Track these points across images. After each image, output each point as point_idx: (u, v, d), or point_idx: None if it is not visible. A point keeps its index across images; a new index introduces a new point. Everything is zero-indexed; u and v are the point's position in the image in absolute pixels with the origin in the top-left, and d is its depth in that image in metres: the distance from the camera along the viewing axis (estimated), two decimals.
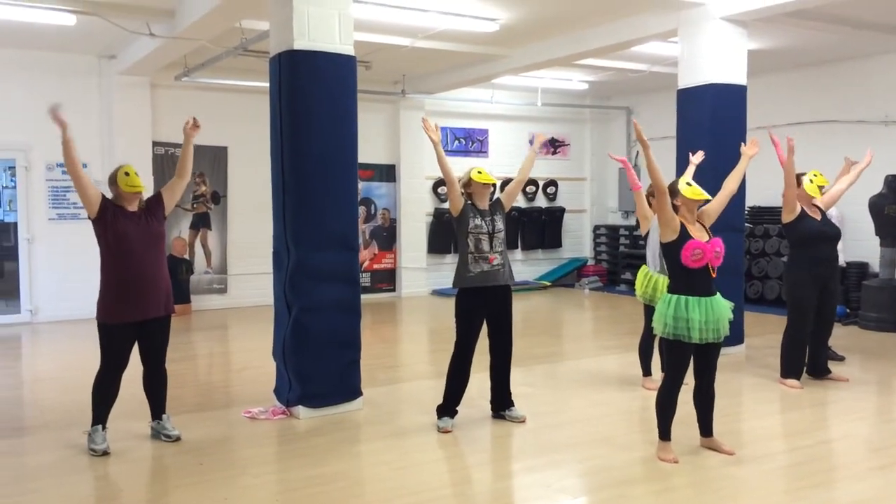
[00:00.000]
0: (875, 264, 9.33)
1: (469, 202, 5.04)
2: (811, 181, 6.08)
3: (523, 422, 5.19)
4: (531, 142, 6.11)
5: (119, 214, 4.66)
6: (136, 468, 4.47)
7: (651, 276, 5.85)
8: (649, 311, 5.73)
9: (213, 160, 10.70)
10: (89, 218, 4.71)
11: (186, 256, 10.51)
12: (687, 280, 4.35)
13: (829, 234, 6.13)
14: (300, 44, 5.29)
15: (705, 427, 4.62)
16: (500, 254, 5.03)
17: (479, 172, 5.07)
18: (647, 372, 6.20)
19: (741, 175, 4.72)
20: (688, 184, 4.43)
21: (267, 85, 5.76)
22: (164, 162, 10.12)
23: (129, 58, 9.28)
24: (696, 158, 5.60)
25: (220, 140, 10.66)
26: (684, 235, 4.34)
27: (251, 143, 10.41)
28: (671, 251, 4.38)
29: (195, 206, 10.63)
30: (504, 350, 5.18)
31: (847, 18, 7.99)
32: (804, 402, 5.81)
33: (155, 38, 7.98)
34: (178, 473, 4.42)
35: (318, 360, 5.36)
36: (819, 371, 6.34)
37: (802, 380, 6.21)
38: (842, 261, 6.98)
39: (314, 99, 5.34)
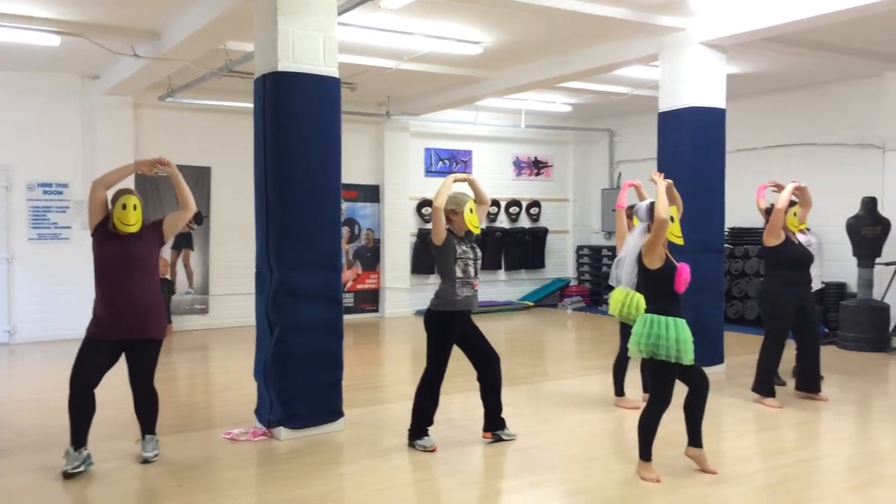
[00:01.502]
0: (853, 285, 9.45)
1: (448, 228, 5.06)
2: (795, 214, 6.26)
3: (514, 440, 5.23)
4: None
5: (105, 236, 4.66)
6: (113, 491, 4.42)
7: (630, 294, 5.84)
8: (626, 329, 5.74)
9: (197, 180, 10.66)
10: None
11: (168, 277, 10.46)
12: (675, 303, 4.48)
13: (808, 257, 6.41)
14: (285, 65, 5.32)
15: (696, 437, 4.62)
16: (477, 280, 5.11)
17: (472, 212, 5.05)
18: (620, 392, 6.22)
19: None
20: (671, 218, 4.54)
21: (251, 106, 5.79)
22: (147, 183, 10.07)
23: (112, 78, 9.28)
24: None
25: (204, 160, 10.66)
26: (671, 262, 4.46)
27: (234, 163, 10.42)
28: (661, 277, 4.47)
29: None
30: (494, 362, 5.17)
31: (823, 44, 8.15)
32: (784, 421, 5.85)
33: (139, 59, 7.99)
34: (156, 496, 4.38)
35: (300, 381, 5.34)
36: (814, 387, 6.41)
37: (785, 399, 6.29)
38: (818, 284, 7.13)
39: (298, 120, 5.36)
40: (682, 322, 4.42)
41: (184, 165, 10.28)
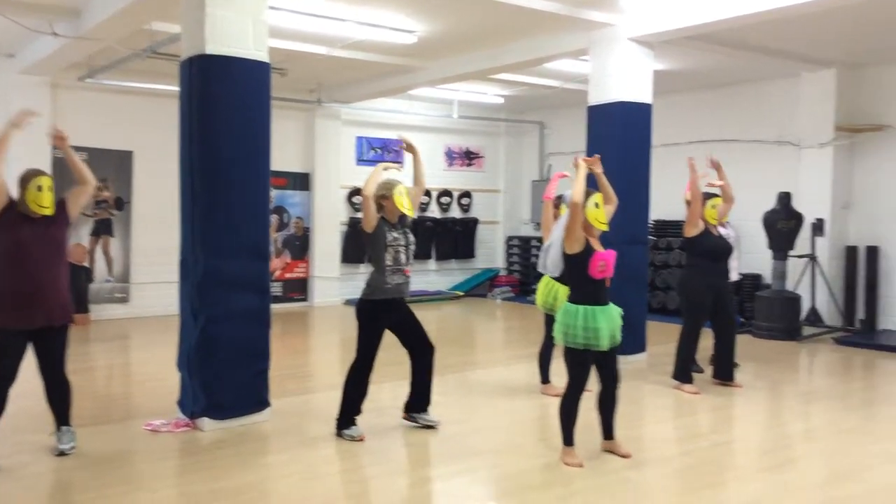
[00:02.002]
0: (768, 276, 9.85)
1: (380, 216, 5.04)
2: (713, 207, 6.47)
3: (435, 427, 5.23)
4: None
5: (18, 219, 4.45)
6: (28, 485, 4.25)
7: (551, 285, 5.96)
8: (550, 319, 5.85)
9: (118, 165, 10.33)
10: None
11: (86, 264, 10.09)
12: (592, 290, 4.52)
13: (727, 249, 6.61)
14: (212, 48, 5.19)
15: (608, 430, 4.77)
16: (409, 266, 5.10)
17: (400, 195, 5.01)
18: (546, 379, 6.34)
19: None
20: (596, 205, 4.59)
21: (176, 89, 5.63)
22: (65, 166, 9.65)
23: (29, 57, 8.88)
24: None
25: (125, 144, 10.32)
26: (590, 248, 4.51)
27: (158, 148, 10.11)
28: (578, 262, 4.53)
29: (97, 212, 10.23)
30: (429, 350, 5.18)
31: (745, 43, 8.44)
32: (701, 407, 6.07)
33: (58, 38, 7.66)
34: (73, 490, 4.25)
35: (226, 371, 5.24)
36: (729, 375, 6.64)
37: (703, 385, 6.52)
38: (736, 276, 7.38)
39: (226, 105, 5.25)
40: (594, 310, 4.45)
41: (104, 149, 10.12)
